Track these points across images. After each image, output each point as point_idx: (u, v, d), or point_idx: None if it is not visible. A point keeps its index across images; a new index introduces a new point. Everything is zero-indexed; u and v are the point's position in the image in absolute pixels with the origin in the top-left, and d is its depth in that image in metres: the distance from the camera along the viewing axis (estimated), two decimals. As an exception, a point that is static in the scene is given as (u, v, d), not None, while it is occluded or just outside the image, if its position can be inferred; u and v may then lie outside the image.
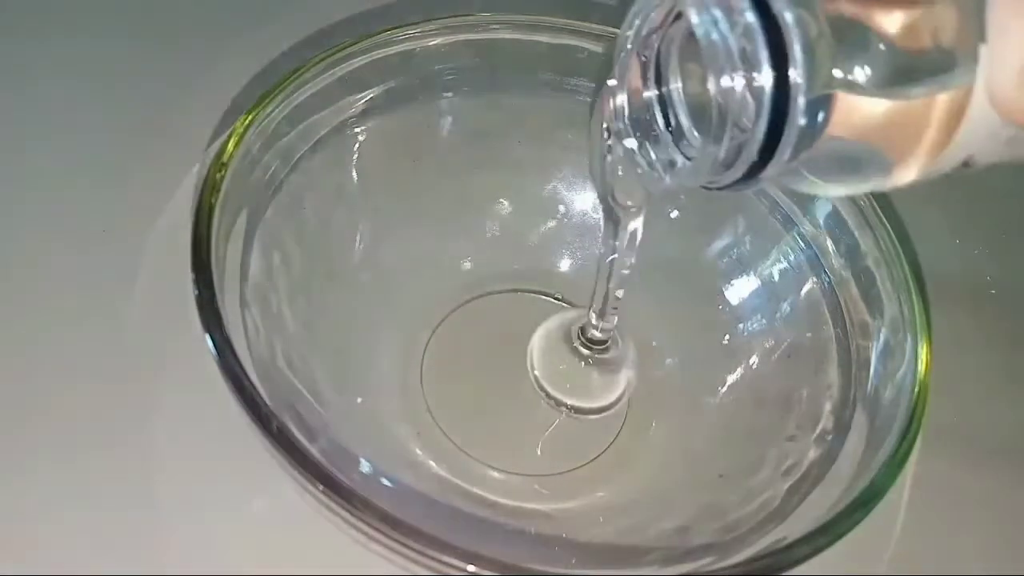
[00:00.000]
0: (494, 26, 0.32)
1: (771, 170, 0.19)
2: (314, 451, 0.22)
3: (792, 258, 0.31)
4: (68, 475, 0.26)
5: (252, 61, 0.36)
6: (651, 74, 0.22)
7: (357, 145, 0.32)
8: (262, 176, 0.28)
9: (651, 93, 0.22)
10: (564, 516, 0.28)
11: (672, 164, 0.22)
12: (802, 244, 0.31)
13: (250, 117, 0.27)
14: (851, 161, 0.20)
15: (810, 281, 0.31)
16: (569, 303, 0.33)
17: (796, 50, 0.18)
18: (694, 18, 0.19)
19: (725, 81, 0.19)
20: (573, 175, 0.34)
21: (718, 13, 0.19)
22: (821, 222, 0.31)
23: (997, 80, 0.17)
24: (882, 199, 0.30)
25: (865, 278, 0.29)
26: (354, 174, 0.32)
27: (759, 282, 0.32)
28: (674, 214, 0.34)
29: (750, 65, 0.18)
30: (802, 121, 0.18)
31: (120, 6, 0.39)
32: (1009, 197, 0.39)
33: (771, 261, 0.32)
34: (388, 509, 0.21)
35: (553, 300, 0.33)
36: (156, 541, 0.26)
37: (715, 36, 0.19)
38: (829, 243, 0.30)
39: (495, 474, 0.29)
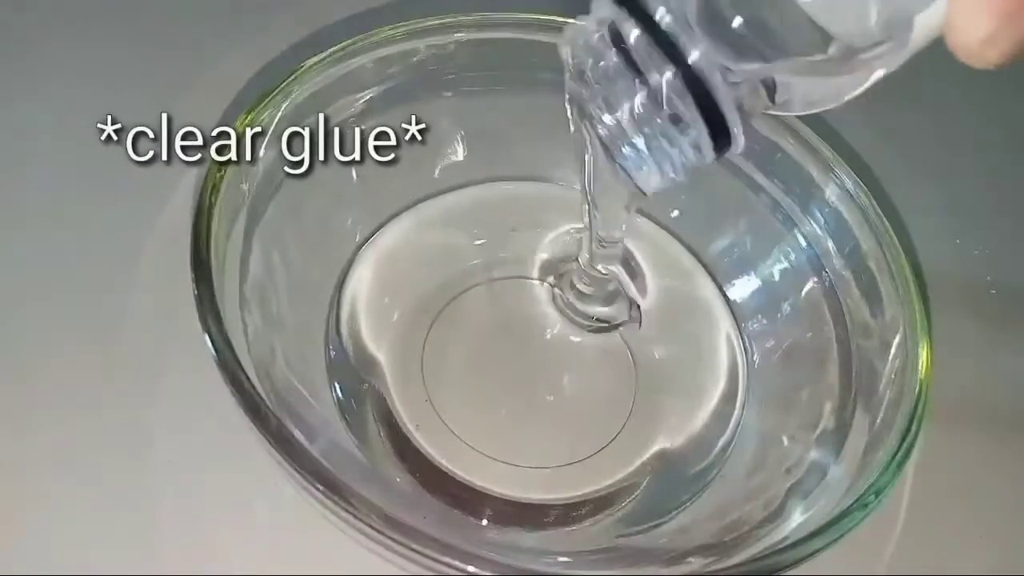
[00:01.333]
0: (494, 26, 0.32)
1: (739, 134, 0.20)
2: (314, 451, 0.22)
3: (793, 258, 0.31)
4: (68, 475, 0.26)
5: (252, 61, 0.36)
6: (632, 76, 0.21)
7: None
8: (262, 176, 0.28)
9: (642, 92, 0.21)
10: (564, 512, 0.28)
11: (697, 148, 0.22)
12: (803, 244, 0.31)
13: (250, 117, 0.27)
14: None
15: (811, 281, 0.31)
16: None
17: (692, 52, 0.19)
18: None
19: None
20: (572, 174, 0.34)
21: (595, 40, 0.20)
22: (822, 222, 0.31)
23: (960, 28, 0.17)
24: (883, 199, 0.30)
25: (866, 278, 0.29)
26: (353, 173, 0.32)
27: (760, 282, 0.32)
28: (674, 213, 0.34)
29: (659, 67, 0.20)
30: (729, 90, 0.19)
31: (120, 5, 0.39)
32: (1009, 197, 0.39)
33: (772, 261, 0.32)
34: (388, 508, 0.21)
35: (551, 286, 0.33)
36: (156, 541, 0.26)
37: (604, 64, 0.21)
38: (830, 243, 0.30)
39: (495, 466, 0.29)
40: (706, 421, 0.30)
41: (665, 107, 0.20)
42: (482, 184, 0.34)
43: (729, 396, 0.31)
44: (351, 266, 0.32)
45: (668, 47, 0.19)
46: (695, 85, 0.19)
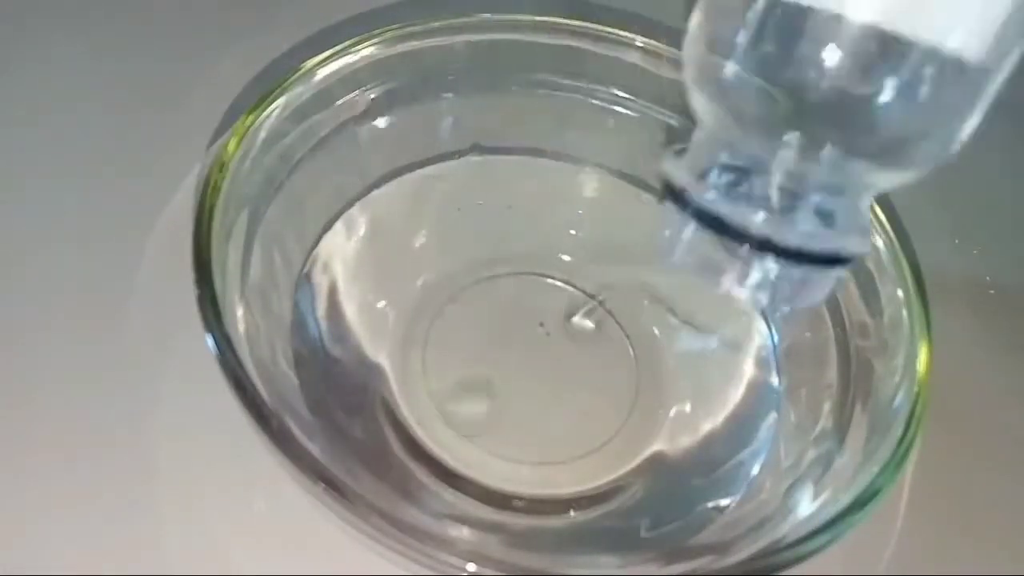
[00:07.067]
0: (494, 26, 0.32)
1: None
2: (314, 450, 0.22)
3: (792, 258, 0.31)
4: (67, 475, 0.26)
5: (252, 61, 0.36)
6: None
7: (357, 146, 0.32)
8: (262, 176, 0.28)
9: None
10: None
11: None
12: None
13: (250, 117, 0.27)
14: None
15: (809, 281, 0.31)
16: (572, 285, 0.33)
17: None
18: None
19: None
20: (571, 174, 0.34)
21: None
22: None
23: None
24: (882, 200, 0.30)
25: (864, 278, 0.29)
26: (356, 175, 0.32)
27: (759, 282, 0.32)
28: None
29: None
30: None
31: (120, 5, 0.39)
32: (1009, 197, 0.39)
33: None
34: (389, 507, 0.21)
35: (555, 281, 0.33)
36: (156, 541, 0.26)
37: None
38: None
39: (496, 462, 0.29)
40: (717, 426, 0.30)
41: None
42: (482, 182, 0.34)
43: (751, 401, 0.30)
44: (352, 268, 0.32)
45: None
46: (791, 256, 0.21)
